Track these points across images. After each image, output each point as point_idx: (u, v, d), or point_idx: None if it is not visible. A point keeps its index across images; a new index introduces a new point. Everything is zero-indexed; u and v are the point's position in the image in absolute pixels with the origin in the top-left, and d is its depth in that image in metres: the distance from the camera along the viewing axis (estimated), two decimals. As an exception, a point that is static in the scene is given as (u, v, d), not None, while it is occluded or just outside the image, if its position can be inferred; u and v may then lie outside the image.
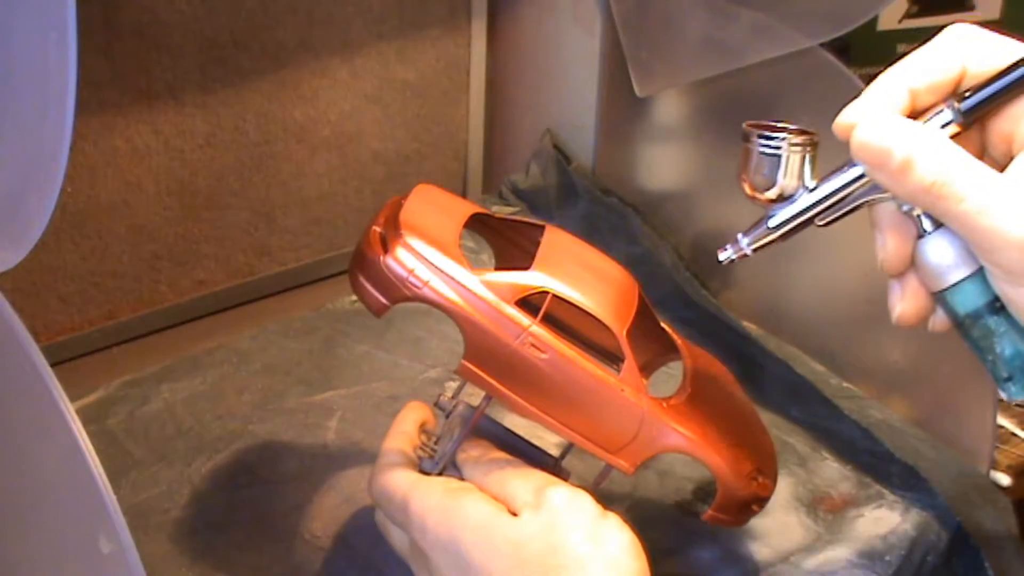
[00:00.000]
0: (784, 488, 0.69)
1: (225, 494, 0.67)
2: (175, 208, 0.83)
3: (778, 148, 0.49)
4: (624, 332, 0.56)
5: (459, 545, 0.52)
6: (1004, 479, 0.77)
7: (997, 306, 0.47)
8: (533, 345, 0.54)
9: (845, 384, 0.76)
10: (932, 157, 0.44)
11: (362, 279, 0.55)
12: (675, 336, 0.63)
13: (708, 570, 0.63)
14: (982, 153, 0.48)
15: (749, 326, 0.80)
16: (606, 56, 0.89)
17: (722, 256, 0.53)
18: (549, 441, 0.63)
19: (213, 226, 0.86)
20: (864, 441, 0.71)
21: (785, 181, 0.50)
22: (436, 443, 0.59)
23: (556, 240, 0.59)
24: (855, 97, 0.48)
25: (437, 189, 0.60)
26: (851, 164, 0.48)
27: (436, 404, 0.60)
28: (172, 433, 0.72)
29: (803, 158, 0.49)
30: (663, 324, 0.63)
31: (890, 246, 0.49)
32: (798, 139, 0.49)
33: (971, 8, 1.04)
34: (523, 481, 0.54)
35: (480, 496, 0.54)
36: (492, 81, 0.99)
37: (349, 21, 0.87)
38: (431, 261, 0.54)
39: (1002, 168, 0.45)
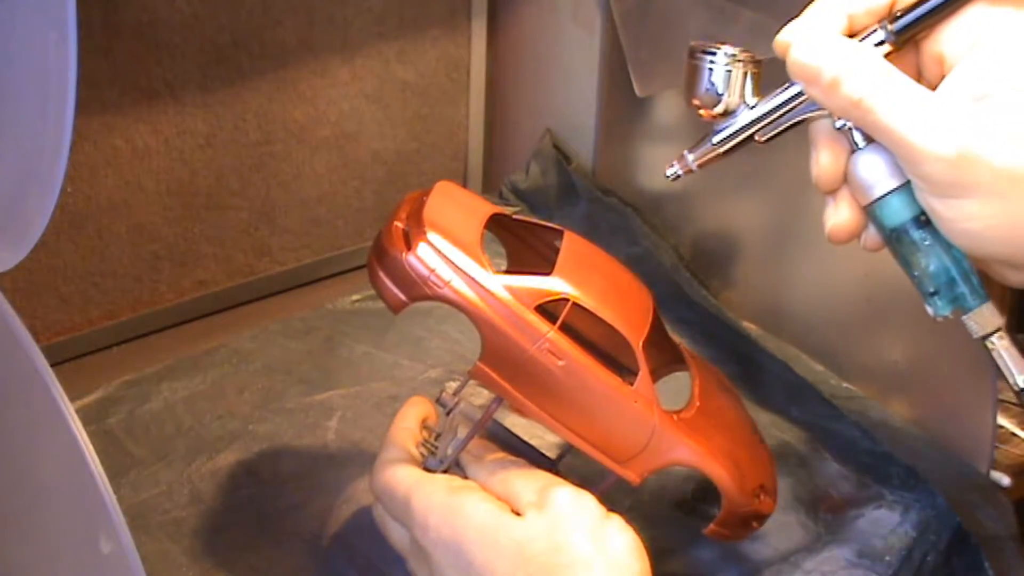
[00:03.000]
0: (784, 488, 0.69)
1: (225, 494, 0.67)
2: (175, 208, 0.83)
3: (722, 65, 0.51)
4: (640, 344, 0.56)
5: (461, 544, 0.52)
6: (1004, 479, 0.76)
7: (923, 220, 0.49)
8: (550, 351, 0.54)
9: (845, 384, 0.76)
10: (860, 74, 0.47)
11: (382, 274, 0.55)
12: (684, 349, 0.62)
13: (708, 570, 0.63)
14: (918, 75, 0.50)
15: (749, 326, 0.80)
16: (606, 56, 0.89)
17: (668, 172, 0.56)
18: (549, 442, 0.63)
19: (213, 226, 0.86)
20: (864, 441, 0.71)
21: (728, 98, 0.52)
22: (437, 439, 0.59)
23: (576, 247, 0.59)
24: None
25: (459, 187, 0.60)
26: (790, 83, 0.50)
27: (438, 400, 0.60)
28: (172, 433, 0.72)
29: (744, 75, 0.52)
30: (672, 336, 0.63)
31: (824, 161, 0.51)
32: (741, 56, 0.51)
33: None
34: (527, 481, 0.54)
35: (483, 495, 0.54)
36: (492, 81, 0.99)
37: (349, 21, 0.87)
38: (453, 261, 0.54)
39: (934, 90, 0.47)
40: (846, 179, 0.51)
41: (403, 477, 0.55)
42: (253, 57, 0.83)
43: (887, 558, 0.64)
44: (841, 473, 0.70)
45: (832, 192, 0.52)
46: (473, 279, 0.54)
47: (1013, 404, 0.85)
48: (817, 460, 0.71)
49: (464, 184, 1.01)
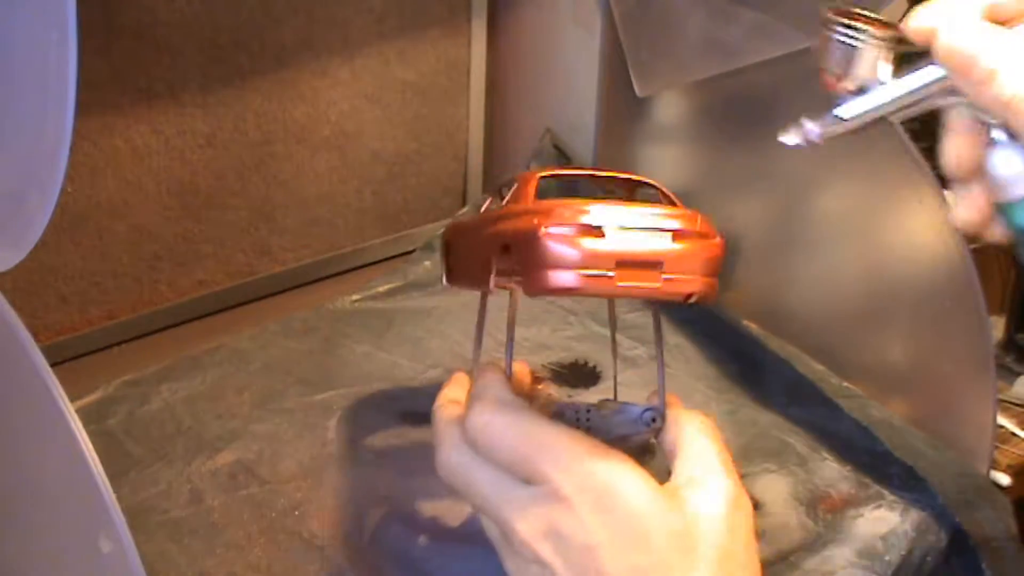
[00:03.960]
0: (784, 488, 0.69)
1: (225, 494, 0.67)
2: (175, 208, 0.83)
3: (858, 39, 0.48)
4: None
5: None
6: (1004, 479, 0.77)
7: None
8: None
9: (845, 384, 0.76)
10: (1017, 70, 0.44)
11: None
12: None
13: (708, 570, 0.63)
14: None
15: (749, 326, 0.80)
16: (606, 56, 0.89)
17: (783, 138, 0.52)
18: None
19: (213, 226, 0.86)
20: (864, 441, 0.71)
21: (859, 73, 0.49)
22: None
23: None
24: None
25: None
26: (931, 64, 0.47)
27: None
28: (172, 433, 0.72)
29: (879, 51, 0.48)
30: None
31: (959, 151, 0.48)
32: (879, 32, 0.48)
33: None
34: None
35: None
36: (492, 81, 0.99)
37: (349, 21, 0.87)
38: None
39: None
40: (979, 170, 0.49)
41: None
42: (253, 57, 0.83)
43: (887, 558, 0.64)
44: (841, 473, 0.70)
45: (964, 182, 0.50)
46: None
47: (1013, 404, 0.86)
48: (817, 460, 0.71)
49: (464, 184, 1.01)
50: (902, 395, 0.74)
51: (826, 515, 0.67)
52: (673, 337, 0.83)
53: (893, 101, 0.49)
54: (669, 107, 0.87)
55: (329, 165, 0.91)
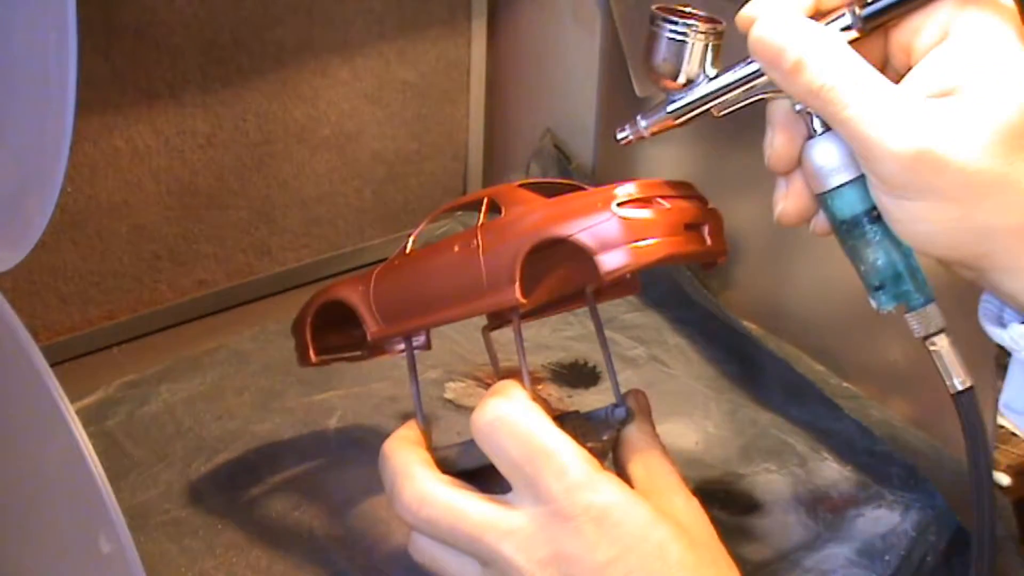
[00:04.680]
0: (784, 488, 0.69)
1: (225, 494, 0.67)
2: (175, 208, 0.83)
3: (683, 34, 0.50)
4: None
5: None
6: (1004, 479, 0.77)
7: (874, 215, 0.48)
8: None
9: (845, 384, 0.76)
10: (823, 61, 0.45)
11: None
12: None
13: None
14: (884, 63, 0.48)
15: (749, 326, 0.80)
16: (606, 56, 0.88)
17: (619, 135, 0.54)
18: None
19: (213, 226, 0.86)
20: (864, 441, 0.71)
21: (688, 68, 0.50)
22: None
23: None
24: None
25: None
26: (752, 58, 0.49)
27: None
28: (172, 434, 0.72)
29: (706, 46, 0.50)
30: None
31: (778, 143, 0.50)
32: (703, 27, 0.49)
33: None
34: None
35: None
36: (492, 81, 0.98)
37: (349, 21, 0.87)
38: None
39: (899, 81, 0.46)
40: (799, 163, 0.50)
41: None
42: (253, 57, 0.83)
43: (886, 557, 0.64)
44: (841, 473, 0.70)
45: (785, 174, 0.51)
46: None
47: (1013, 404, 0.85)
48: (817, 460, 0.71)
49: (464, 184, 1.01)
50: (902, 395, 0.74)
51: (826, 515, 0.67)
52: (673, 337, 0.83)
53: (716, 93, 0.50)
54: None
55: (329, 165, 0.90)
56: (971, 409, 0.51)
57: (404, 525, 0.52)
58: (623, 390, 0.57)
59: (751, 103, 0.50)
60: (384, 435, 0.69)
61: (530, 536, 0.48)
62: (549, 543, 0.48)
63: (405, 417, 0.73)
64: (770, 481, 0.69)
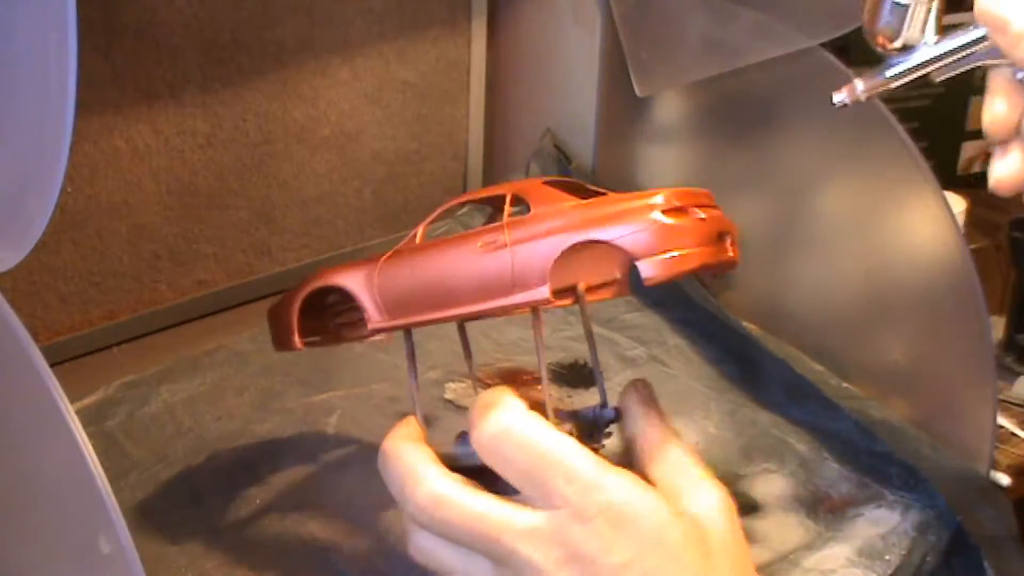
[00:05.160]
0: (784, 488, 0.69)
1: (225, 494, 0.67)
2: (175, 208, 0.83)
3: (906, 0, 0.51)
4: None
5: None
6: (1004, 479, 0.76)
7: None
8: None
9: (845, 384, 0.76)
10: None
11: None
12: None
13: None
14: None
15: (749, 326, 0.80)
16: (606, 56, 0.88)
17: (836, 98, 0.54)
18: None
19: (213, 226, 0.86)
20: (864, 441, 0.71)
21: (909, 33, 0.51)
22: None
23: None
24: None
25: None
26: (975, 24, 0.49)
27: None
28: (172, 434, 0.72)
29: (928, 11, 0.51)
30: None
31: (998, 110, 0.50)
32: None
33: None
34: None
35: None
36: (492, 81, 0.98)
37: (349, 21, 0.87)
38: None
39: None
40: (1019, 132, 0.50)
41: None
42: (253, 57, 0.83)
43: (887, 557, 0.64)
44: (841, 473, 0.70)
45: (1003, 143, 0.51)
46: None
47: (1013, 404, 0.85)
48: (817, 460, 0.71)
49: (464, 184, 1.01)
50: (902, 395, 0.74)
51: (826, 515, 0.67)
52: (673, 337, 0.83)
53: (937, 59, 0.51)
54: (669, 107, 0.87)
55: (329, 165, 0.90)
56: None
57: (409, 524, 0.51)
58: (623, 390, 0.57)
59: (970, 68, 0.51)
60: (384, 435, 0.69)
61: (547, 537, 0.48)
62: (566, 544, 0.47)
63: (405, 417, 0.73)
64: (770, 481, 0.69)
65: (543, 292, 0.51)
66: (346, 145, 0.91)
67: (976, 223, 0.94)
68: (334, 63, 0.87)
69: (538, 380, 0.76)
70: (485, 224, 0.56)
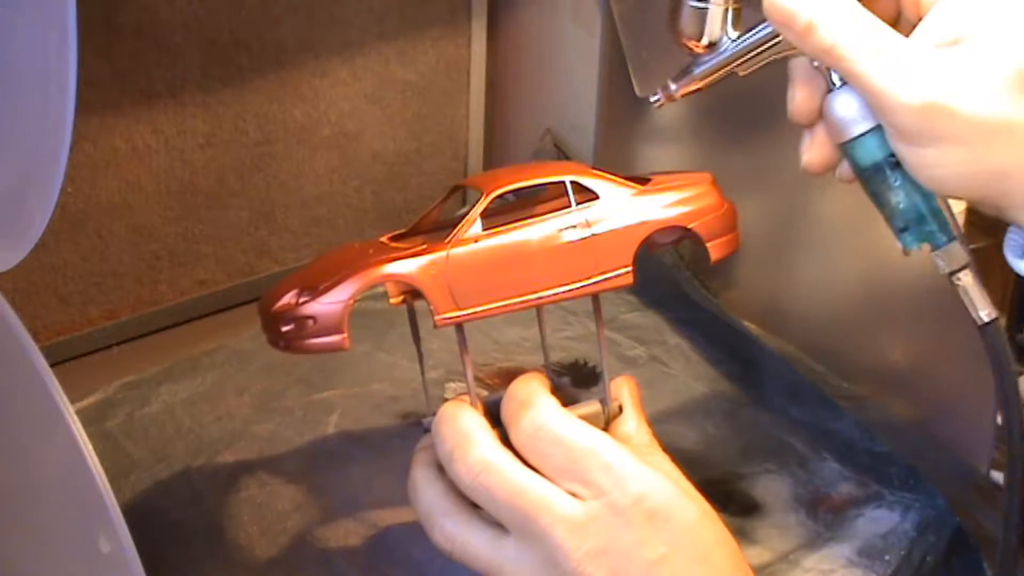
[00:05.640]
0: (784, 488, 0.69)
1: (225, 494, 0.67)
2: (175, 208, 0.83)
3: (705, 2, 0.54)
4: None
5: None
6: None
7: (894, 161, 0.50)
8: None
9: (845, 384, 0.76)
10: (833, 20, 0.48)
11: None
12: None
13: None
14: (896, 17, 0.51)
15: (749, 326, 0.80)
16: (606, 56, 0.88)
17: (652, 99, 0.58)
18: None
19: (213, 226, 0.86)
20: (864, 441, 0.71)
21: (710, 32, 0.55)
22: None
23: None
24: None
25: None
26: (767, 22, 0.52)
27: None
28: (172, 434, 0.72)
29: (726, 10, 0.54)
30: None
31: (800, 97, 0.53)
32: None
33: None
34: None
35: None
36: (492, 81, 0.98)
37: (349, 21, 0.87)
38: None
39: (910, 34, 0.49)
40: (821, 116, 0.52)
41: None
42: (253, 57, 0.83)
43: (887, 557, 0.64)
44: (841, 473, 0.70)
45: (808, 127, 0.53)
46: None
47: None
48: (817, 460, 0.71)
49: (464, 184, 1.01)
50: (902, 395, 0.74)
51: (826, 515, 0.67)
52: (673, 337, 0.83)
53: (739, 55, 0.54)
54: (669, 107, 0.87)
55: (329, 165, 0.90)
56: (997, 340, 0.53)
57: (433, 511, 0.52)
58: (614, 383, 0.58)
59: (772, 62, 0.54)
60: (384, 435, 0.69)
61: (583, 526, 0.48)
62: (600, 536, 0.48)
63: (405, 417, 0.73)
64: (770, 481, 0.69)
65: (628, 278, 0.56)
66: (346, 145, 0.91)
67: (976, 223, 0.94)
68: (334, 63, 0.87)
69: None
70: (537, 205, 0.59)
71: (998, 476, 0.73)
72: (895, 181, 0.51)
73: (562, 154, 0.94)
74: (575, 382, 0.77)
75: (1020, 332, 0.89)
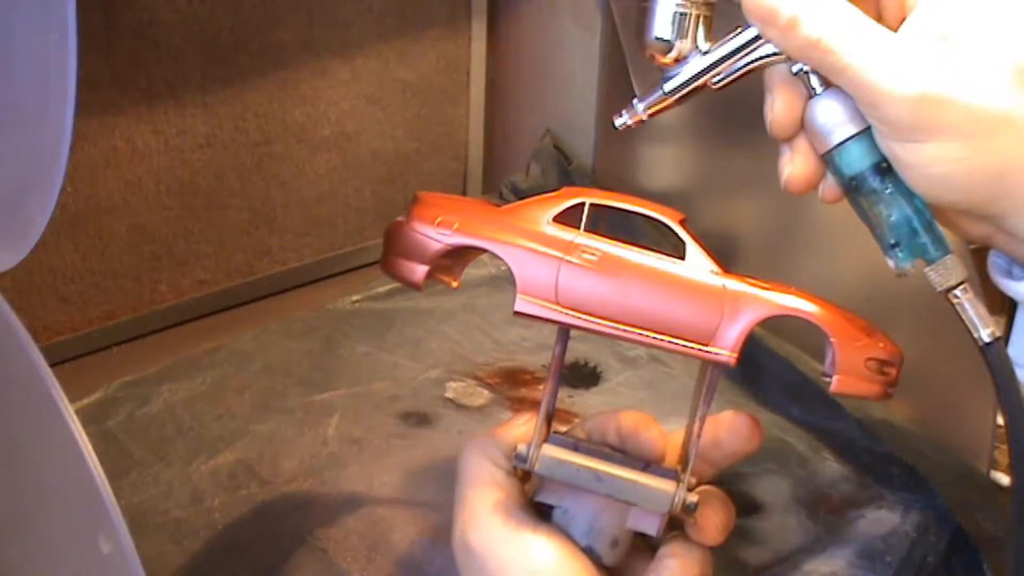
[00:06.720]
0: (784, 489, 0.69)
1: (225, 494, 0.67)
2: (175, 208, 0.83)
3: (672, 9, 0.50)
4: (680, 222, 0.53)
5: None
6: (1004, 479, 0.76)
7: (884, 168, 0.48)
8: (583, 252, 0.50)
9: (845, 384, 0.76)
10: (818, 13, 0.45)
11: (394, 258, 0.52)
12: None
13: (708, 570, 0.63)
14: (878, 18, 0.48)
15: (749, 326, 0.80)
16: (606, 56, 0.89)
17: (617, 122, 0.54)
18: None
19: (213, 226, 0.86)
20: (864, 441, 0.71)
21: (680, 43, 0.51)
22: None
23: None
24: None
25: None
26: (745, 26, 0.49)
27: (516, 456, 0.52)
28: (172, 434, 0.72)
29: (697, 19, 0.50)
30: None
31: (779, 107, 0.49)
32: (693, 1, 0.50)
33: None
34: None
35: None
36: (492, 81, 0.99)
37: (349, 21, 0.87)
38: (453, 207, 0.51)
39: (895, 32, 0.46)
40: (803, 126, 0.50)
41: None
42: (253, 57, 0.83)
43: (887, 558, 0.64)
44: (841, 473, 0.70)
45: (788, 140, 0.50)
46: (478, 214, 0.51)
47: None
48: (817, 460, 0.71)
49: (464, 184, 1.01)
50: (902, 395, 0.74)
51: (827, 515, 0.67)
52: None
53: (712, 66, 0.50)
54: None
55: (329, 165, 0.91)
56: (1000, 361, 0.49)
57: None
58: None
59: (746, 73, 0.50)
60: (384, 435, 0.69)
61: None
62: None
63: (405, 417, 0.73)
64: (770, 481, 0.69)
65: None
66: (346, 145, 0.91)
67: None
68: (334, 63, 0.88)
69: (539, 380, 0.76)
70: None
71: (998, 476, 0.73)
72: (886, 189, 0.48)
73: (562, 154, 0.94)
74: (576, 382, 0.77)
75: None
